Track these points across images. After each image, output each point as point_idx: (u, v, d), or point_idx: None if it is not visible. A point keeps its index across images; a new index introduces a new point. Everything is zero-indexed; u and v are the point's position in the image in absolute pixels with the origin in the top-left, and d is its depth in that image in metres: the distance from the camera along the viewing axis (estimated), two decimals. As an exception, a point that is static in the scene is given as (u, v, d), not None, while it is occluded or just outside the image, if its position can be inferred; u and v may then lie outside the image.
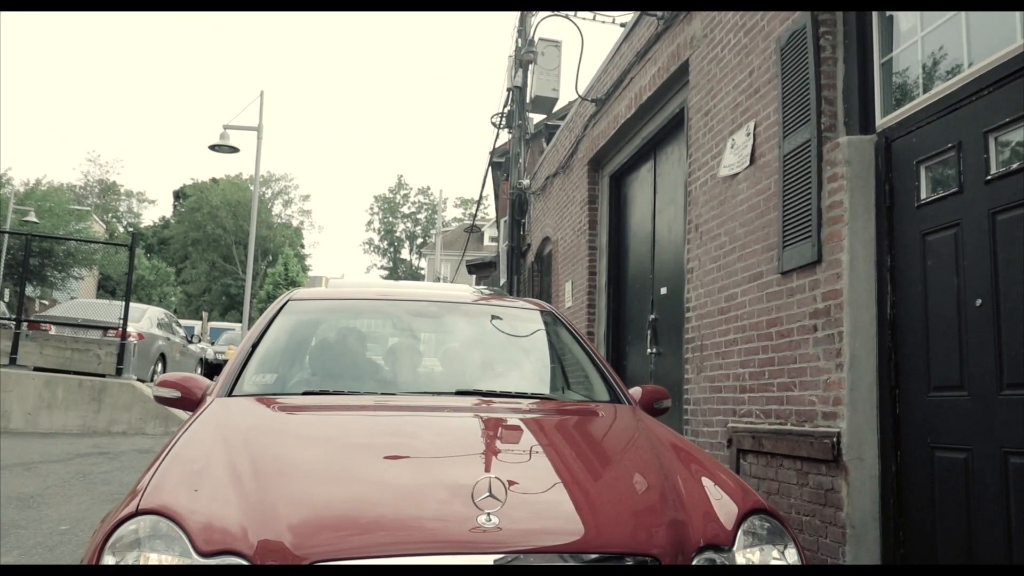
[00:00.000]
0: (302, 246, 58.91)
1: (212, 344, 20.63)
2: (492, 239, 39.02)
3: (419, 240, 65.94)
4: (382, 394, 2.72)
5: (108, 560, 1.65)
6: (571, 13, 7.99)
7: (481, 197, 18.13)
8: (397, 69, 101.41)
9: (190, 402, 2.85)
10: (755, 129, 4.36)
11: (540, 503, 1.85)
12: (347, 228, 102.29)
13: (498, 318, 3.43)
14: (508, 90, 12.82)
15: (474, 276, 24.35)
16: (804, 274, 3.73)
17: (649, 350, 6.36)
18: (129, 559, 1.64)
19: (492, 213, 30.94)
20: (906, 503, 3.28)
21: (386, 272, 66.04)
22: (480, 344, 3.27)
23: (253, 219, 15.27)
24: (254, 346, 3.03)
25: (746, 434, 4.21)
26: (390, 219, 66.96)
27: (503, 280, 12.87)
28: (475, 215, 19.03)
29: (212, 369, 16.77)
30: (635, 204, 7.24)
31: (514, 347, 3.33)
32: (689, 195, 5.30)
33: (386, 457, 2.09)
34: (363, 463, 2.07)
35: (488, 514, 1.69)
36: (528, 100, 11.87)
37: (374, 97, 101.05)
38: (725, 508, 1.95)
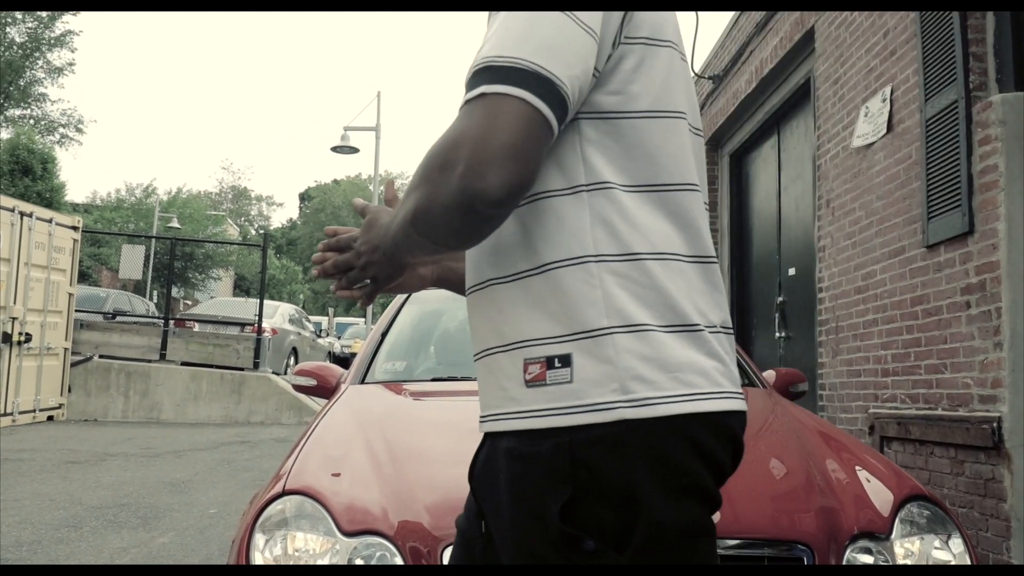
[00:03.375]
0: (419, 242, 60.32)
1: (339, 338, 21.52)
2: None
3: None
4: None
5: (258, 539, 1.71)
6: (684, -11, 7.75)
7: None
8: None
9: (325, 389, 2.95)
10: (892, 94, 4.07)
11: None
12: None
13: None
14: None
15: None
16: (954, 246, 3.45)
17: (777, 334, 6.10)
18: (277, 537, 1.70)
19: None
20: (1081, 494, 2.97)
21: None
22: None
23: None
24: (383, 335, 3.10)
25: (890, 420, 3.95)
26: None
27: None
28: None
29: (338, 362, 17.50)
30: (758, 182, 6.96)
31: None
32: (818, 169, 5.02)
33: None
34: None
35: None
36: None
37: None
38: (880, 495, 1.82)
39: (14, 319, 8.44)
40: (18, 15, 23.58)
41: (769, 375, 3.11)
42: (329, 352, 16.50)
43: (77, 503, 5.07)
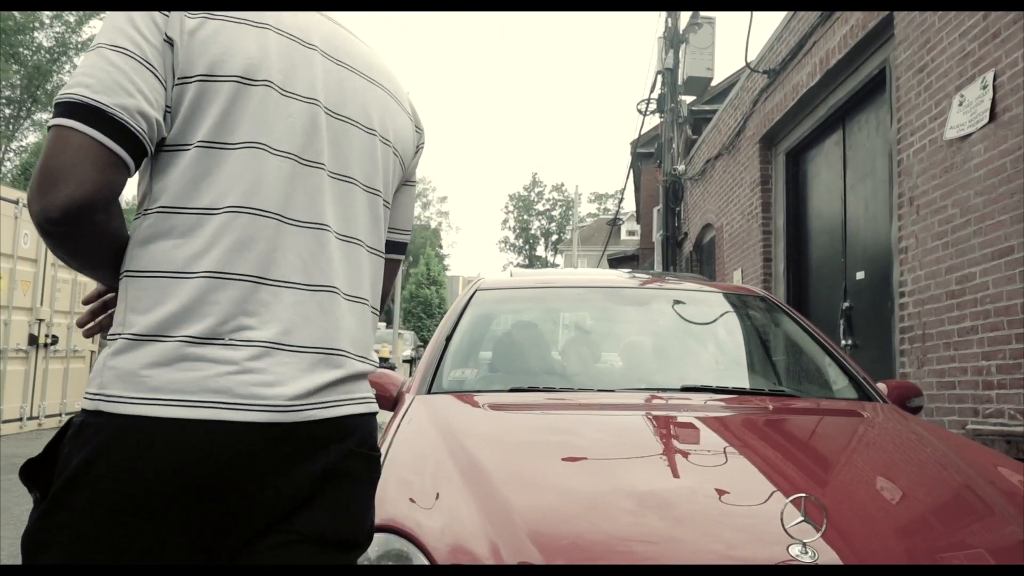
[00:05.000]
0: (440, 246, 60.32)
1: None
2: (630, 233, 38.20)
3: (554, 237, 65.91)
4: (599, 391, 2.40)
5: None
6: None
7: (624, 188, 17.63)
8: (529, 67, 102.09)
9: (385, 400, 2.64)
10: (994, 80, 3.71)
11: (862, 530, 1.45)
12: (483, 227, 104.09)
13: (709, 305, 3.03)
14: (657, 73, 12.29)
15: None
16: (1081, 246, 3.09)
17: (843, 342, 5.73)
18: (366, 586, 1.39)
19: (629, 207, 30.22)
20: None
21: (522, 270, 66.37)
22: (693, 333, 2.88)
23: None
24: (447, 340, 2.78)
25: (996, 437, 3.58)
26: (525, 217, 67.28)
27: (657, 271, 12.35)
28: (618, 207, 18.55)
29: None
30: (818, 181, 6.59)
31: (732, 337, 2.92)
32: (899, 165, 4.66)
33: (638, 465, 1.75)
34: (609, 473, 1.74)
35: (804, 544, 1.31)
36: (680, 82, 11.33)
37: (507, 96, 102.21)
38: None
39: (41, 321, 8.23)
40: (46, 19, 23.63)
41: (881, 389, 2.77)
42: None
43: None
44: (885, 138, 5.15)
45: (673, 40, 11.51)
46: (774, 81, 6.89)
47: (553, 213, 66.99)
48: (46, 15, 23.58)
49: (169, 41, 0.99)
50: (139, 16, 0.99)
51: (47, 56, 24.51)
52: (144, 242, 1.00)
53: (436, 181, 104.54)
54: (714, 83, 11.95)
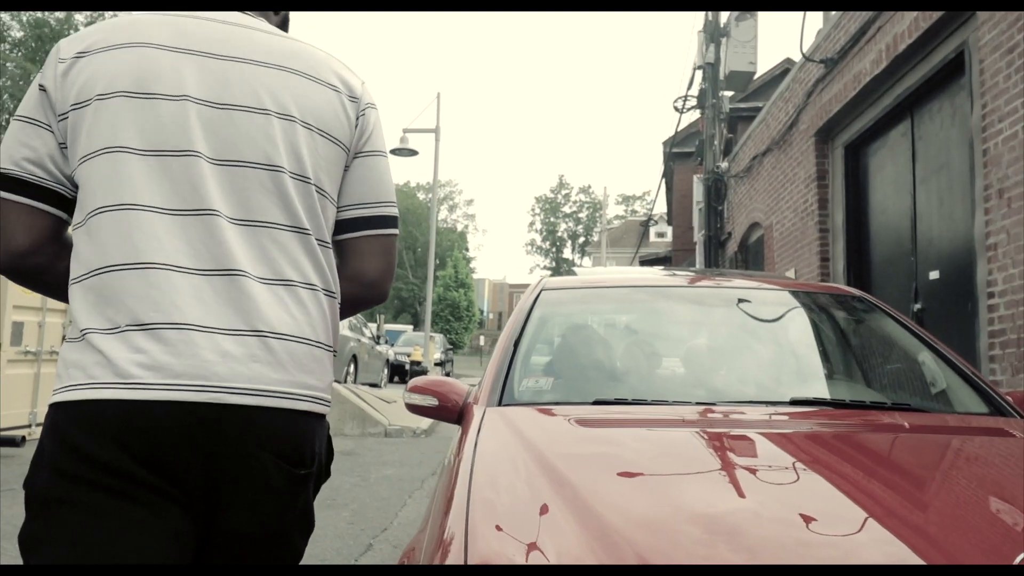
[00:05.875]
0: (466, 249, 60.20)
1: (391, 346, 21.09)
2: (659, 235, 37.70)
3: (581, 239, 65.50)
4: (697, 404, 2.10)
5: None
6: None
7: (659, 188, 17.28)
8: (555, 68, 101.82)
9: (449, 411, 2.37)
10: (1107, 57, 3.36)
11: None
12: (510, 230, 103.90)
13: (805, 308, 2.72)
14: (695, 68, 11.96)
15: (648, 272, 23.45)
16: None
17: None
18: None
19: (659, 208, 29.72)
20: None
21: (549, 272, 66.12)
22: (791, 339, 2.57)
23: (433, 222, 15.30)
24: (515, 345, 2.49)
25: (1115, 453, 3.22)
26: (552, 219, 66.95)
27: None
28: (651, 207, 18.18)
29: (394, 370, 17.03)
30: (881, 176, 6.22)
31: (835, 343, 2.61)
32: (986, 154, 4.30)
33: (777, 493, 1.45)
34: (737, 503, 1.44)
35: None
36: (722, 76, 10.98)
37: (533, 98, 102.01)
38: None
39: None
40: (80, 26, 23.80)
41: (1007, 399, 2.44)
42: (387, 360, 16.04)
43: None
44: (964, 127, 4.78)
45: (714, 34, 11.16)
46: (832, 71, 6.53)
47: (580, 215, 66.61)
48: (81, 20, 23.77)
49: (43, 89, 1.14)
50: (32, 85, 1.16)
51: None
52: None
53: (462, 184, 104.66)
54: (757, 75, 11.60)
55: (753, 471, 1.60)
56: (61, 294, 1.19)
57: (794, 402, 2.10)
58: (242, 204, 1.13)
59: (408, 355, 14.90)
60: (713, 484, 1.56)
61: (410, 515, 5.29)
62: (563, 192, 67.27)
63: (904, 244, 5.71)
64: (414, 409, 2.47)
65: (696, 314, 2.69)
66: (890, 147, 6.05)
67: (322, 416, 1.20)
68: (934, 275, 5.21)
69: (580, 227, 66.30)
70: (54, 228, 1.16)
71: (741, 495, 1.48)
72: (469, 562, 1.26)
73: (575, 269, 3.30)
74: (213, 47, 1.19)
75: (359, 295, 1.31)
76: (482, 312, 57.63)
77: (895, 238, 5.90)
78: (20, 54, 23.62)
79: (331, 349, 1.21)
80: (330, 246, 1.24)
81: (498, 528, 1.37)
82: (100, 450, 1.01)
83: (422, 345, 16.44)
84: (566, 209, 67.11)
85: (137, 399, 1.01)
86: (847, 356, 2.56)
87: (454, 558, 1.26)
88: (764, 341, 2.57)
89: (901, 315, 2.69)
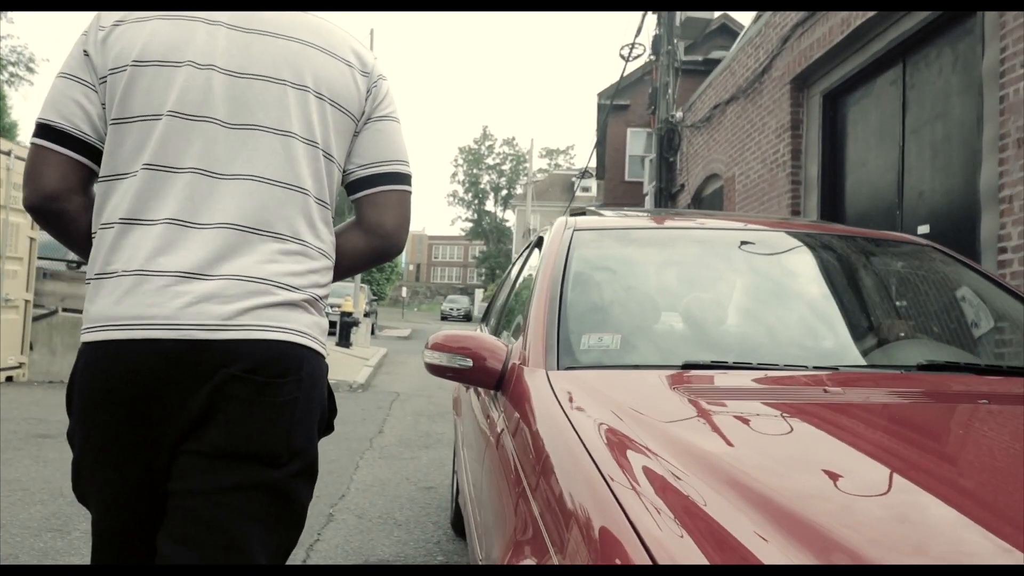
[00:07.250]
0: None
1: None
2: (584, 189, 37.49)
3: (504, 192, 64.91)
4: (816, 369, 1.71)
5: None
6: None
7: (597, 141, 16.97)
8: (484, 18, 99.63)
9: (487, 375, 1.92)
10: None
11: None
12: (430, 180, 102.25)
13: (882, 257, 2.38)
14: (649, 13, 11.53)
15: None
16: None
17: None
18: None
19: (581, 162, 29.35)
20: None
21: (471, 224, 65.40)
22: (882, 294, 2.23)
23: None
24: (560, 296, 2.03)
25: None
26: (475, 171, 65.96)
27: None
28: (588, 160, 17.84)
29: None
30: (863, 126, 5.99)
31: (936, 298, 2.28)
32: (1003, 101, 4.06)
33: (951, 474, 1.09)
34: (911, 488, 1.05)
35: None
36: (678, 23, 10.60)
37: (458, 47, 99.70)
38: None
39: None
40: None
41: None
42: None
43: (59, 495, 3.99)
44: (969, 73, 4.54)
45: (671, -22, 10.74)
46: (810, 16, 6.22)
47: (503, 168, 65.90)
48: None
49: (87, 54, 1.28)
50: (73, 47, 1.31)
51: None
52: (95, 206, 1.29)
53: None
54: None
55: (953, 460, 1.21)
56: (78, 245, 1.34)
57: (922, 367, 1.74)
58: (249, 161, 1.26)
59: (339, 306, 14.20)
60: (918, 472, 1.15)
61: (365, 479, 4.83)
62: (487, 143, 66.29)
63: (888, 197, 5.51)
64: (436, 370, 2.00)
65: (764, 263, 2.30)
66: (876, 96, 5.80)
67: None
68: (923, 229, 5.02)
69: (503, 180, 65.64)
70: (86, 179, 1.30)
71: (959, 489, 1.08)
72: (659, 562, 0.84)
73: (590, 209, 2.85)
74: (238, 21, 1.32)
75: (378, 247, 1.42)
76: (401, 263, 56.68)
77: (877, 191, 5.70)
78: None
79: (314, 298, 1.32)
80: (328, 206, 1.36)
81: (675, 521, 0.94)
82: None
83: (352, 296, 15.75)
84: (489, 161, 66.24)
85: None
86: (957, 313, 2.23)
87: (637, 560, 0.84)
88: (854, 295, 2.22)
89: (987, 270, 2.38)
